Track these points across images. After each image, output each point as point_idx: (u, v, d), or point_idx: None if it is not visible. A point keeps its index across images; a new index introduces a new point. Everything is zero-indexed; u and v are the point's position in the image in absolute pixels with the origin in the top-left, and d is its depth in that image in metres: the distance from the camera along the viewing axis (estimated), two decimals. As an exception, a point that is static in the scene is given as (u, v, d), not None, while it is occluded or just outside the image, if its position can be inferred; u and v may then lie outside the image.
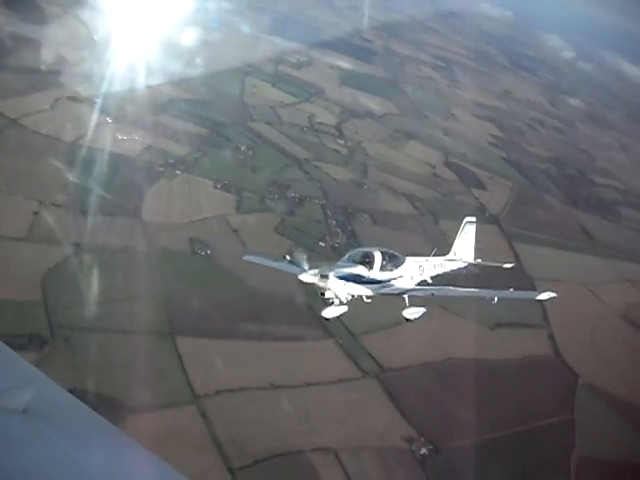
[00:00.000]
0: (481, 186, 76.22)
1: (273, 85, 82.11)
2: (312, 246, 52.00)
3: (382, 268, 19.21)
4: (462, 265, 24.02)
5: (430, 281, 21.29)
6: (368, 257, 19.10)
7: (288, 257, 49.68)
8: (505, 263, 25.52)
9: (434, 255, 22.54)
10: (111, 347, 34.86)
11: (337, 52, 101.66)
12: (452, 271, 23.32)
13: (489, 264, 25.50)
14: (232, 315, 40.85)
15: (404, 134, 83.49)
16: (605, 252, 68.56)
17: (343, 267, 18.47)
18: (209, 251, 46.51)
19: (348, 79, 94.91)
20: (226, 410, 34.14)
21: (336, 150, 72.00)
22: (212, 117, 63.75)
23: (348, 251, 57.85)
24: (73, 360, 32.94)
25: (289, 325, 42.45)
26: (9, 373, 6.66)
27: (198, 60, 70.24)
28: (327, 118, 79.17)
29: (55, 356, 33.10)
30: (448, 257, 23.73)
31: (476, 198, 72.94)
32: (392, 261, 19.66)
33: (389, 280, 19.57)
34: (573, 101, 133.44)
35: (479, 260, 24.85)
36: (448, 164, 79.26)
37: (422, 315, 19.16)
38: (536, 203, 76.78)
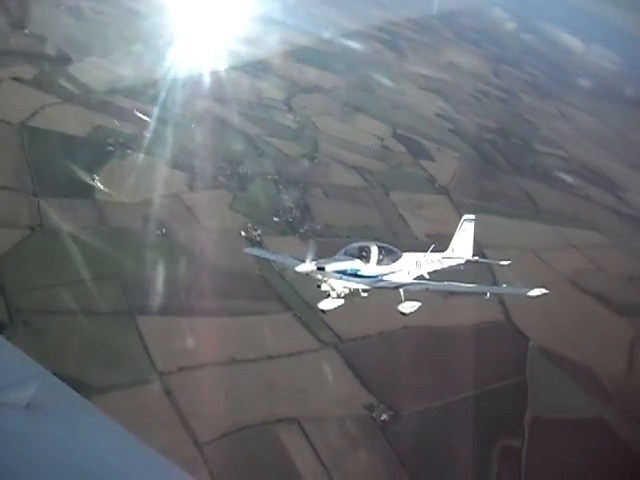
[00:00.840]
0: (429, 157, 77.31)
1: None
2: (266, 221, 52.57)
3: (379, 262, 19.58)
4: (460, 262, 24.59)
5: (427, 277, 21.80)
6: (365, 251, 19.45)
7: (243, 233, 50.49)
8: (501, 261, 26.30)
9: (432, 251, 23.11)
10: (72, 329, 34.72)
11: (283, 26, 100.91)
12: (449, 267, 23.93)
13: (487, 261, 26.02)
14: (190, 292, 41.06)
15: (352, 107, 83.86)
16: (551, 219, 70.60)
17: (340, 260, 18.80)
18: (164, 230, 46.43)
19: (295, 54, 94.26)
20: (190, 386, 34.49)
21: (286, 125, 72.10)
22: (160, 95, 63.07)
23: (302, 225, 58.51)
24: (34, 343, 32.78)
25: (247, 300, 42.94)
26: (11, 368, 6.65)
27: (143, 37, 69.13)
28: (276, 93, 78.96)
29: (15, 340, 32.83)
30: (446, 253, 24.33)
31: (425, 169, 74.08)
32: (389, 256, 20.10)
33: (385, 274, 19.91)
34: (516, 72, 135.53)
35: (477, 257, 25.44)
36: (396, 136, 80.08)
37: (418, 309, 19.59)
38: (483, 173, 78.34)
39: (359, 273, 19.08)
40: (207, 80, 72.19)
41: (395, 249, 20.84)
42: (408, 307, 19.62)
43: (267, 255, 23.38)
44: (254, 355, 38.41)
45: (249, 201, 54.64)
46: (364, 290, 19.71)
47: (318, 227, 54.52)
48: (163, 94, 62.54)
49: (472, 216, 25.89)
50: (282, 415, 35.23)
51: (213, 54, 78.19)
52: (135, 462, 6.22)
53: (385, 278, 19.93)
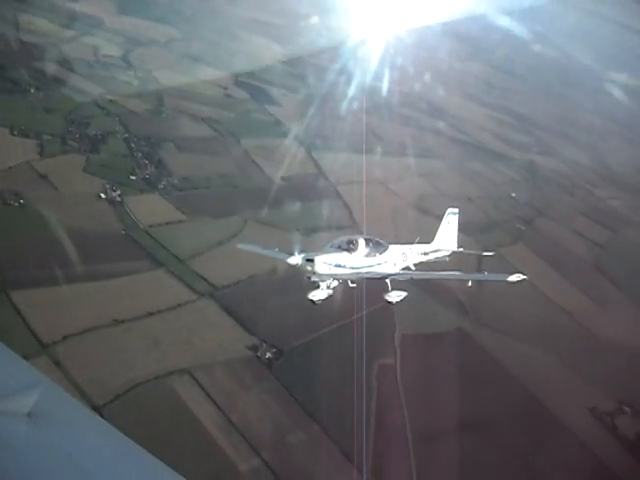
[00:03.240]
0: (274, 102, 78.90)
1: (50, 21, 76.90)
2: (124, 181, 52.28)
3: (366, 254, 20.36)
4: (445, 253, 25.84)
5: (413, 268, 22.91)
6: (353, 244, 20.14)
7: (103, 195, 49.71)
8: (485, 252, 27.72)
9: (417, 243, 24.20)
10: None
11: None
12: (435, 259, 25.17)
13: (471, 252, 27.45)
14: (60, 260, 40.42)
15: (191, 58, 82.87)
16: (396, 151, 74.23)
17: (328, 253, 19.44)
18: (22, 200, 45.13)
19: (125, 7, 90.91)
20: (77, 353, 34.66)
21: (127, 82, 70.59)
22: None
23: (160, 181, 58.43)
24: None
25: (117, 262, 43.05)
26: (13, 377, 6.59)
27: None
28: (112, 50, 76.46)
29: None
30: (431, 245, 25.45)
31: (271, 114, 75.62)
32: (376, 248, 20.92)
33: (372, 266, 20.65)
34: (342, 13, 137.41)
35: (461, 249, 26.94)
36: (239, 84, 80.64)
37: (404, 298, 20.46)
38: (328, 113, 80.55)
39: (347, 265, 19.82)
40: (37, 41, 69.23)
41: (382, 241, 21.63)
42: (395, 296, 20.46)
43: (259, 250, 24.00)
44: (135, 314, 38.94)
45: (103, 162, 53.94)
46: (352, 281, 20.49)
47: (175, 181, 54.92)
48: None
49: (455, 209, 27.10)
50: (172, 367, 36.22)
51: (39, 13, 74.61)
52: (137, 469, 6.23)
53: (372, 269, 20.74)
